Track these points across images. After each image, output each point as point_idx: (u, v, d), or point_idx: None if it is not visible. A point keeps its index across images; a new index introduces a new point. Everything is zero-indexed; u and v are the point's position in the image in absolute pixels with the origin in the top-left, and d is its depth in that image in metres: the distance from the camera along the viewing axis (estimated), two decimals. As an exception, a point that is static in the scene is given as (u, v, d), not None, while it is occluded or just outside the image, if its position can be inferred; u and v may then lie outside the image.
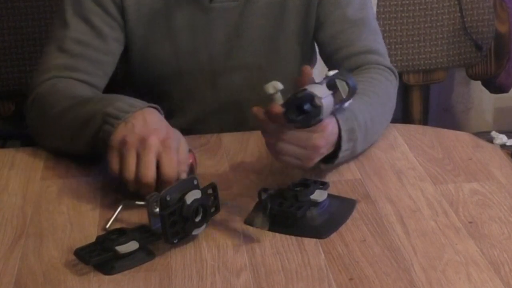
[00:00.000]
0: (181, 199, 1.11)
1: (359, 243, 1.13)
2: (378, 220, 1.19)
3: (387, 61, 1.54)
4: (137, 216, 1.20)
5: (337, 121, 1.25)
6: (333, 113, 1.25)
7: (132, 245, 1.09)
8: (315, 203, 1.18)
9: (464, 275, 1.06)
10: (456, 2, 2.16)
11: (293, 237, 1.15)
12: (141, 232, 1.13)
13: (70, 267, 1.09)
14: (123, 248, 1.08)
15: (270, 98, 1.17)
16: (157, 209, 1.12)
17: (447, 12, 2.17)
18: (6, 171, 1.37)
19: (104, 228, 1.18)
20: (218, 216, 1.19)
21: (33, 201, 1.27)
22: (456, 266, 1.07)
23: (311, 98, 1.15)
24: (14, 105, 2.08)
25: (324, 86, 1.19)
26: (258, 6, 1.53)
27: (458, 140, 1.44)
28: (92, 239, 1.12)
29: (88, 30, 1.50)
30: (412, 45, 2.18)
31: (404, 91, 2.28)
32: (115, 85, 1.60)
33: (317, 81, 1.21)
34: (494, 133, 2.45)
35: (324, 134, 1.21)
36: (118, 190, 1.26)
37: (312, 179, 1.23)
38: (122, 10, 1.51)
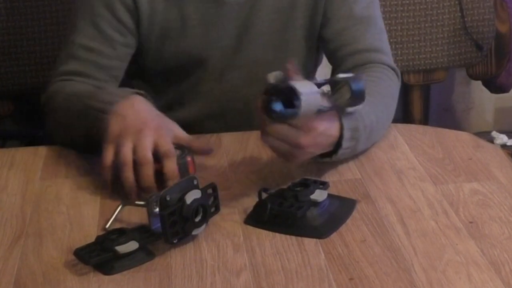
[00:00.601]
0: (181, 199, 1.11)
1: (359, 243, 1.13)
2: (378, 220, 1.19)
3: (390, 60, 1.54)
4: (136, 216, 1.19)
5: (340, 120, 1.25)
6: (339, 114, 1.23)
7: (131, 245, 1.09)
8: (315, 203, 1.18)
9: (464, 275, 1.05)
10: (456, 2, 2.16)
11: (293, 237, 1.15)
12: (141, 232, 1.13)
13: (70, 267, 1.09)
14: (122, 248, 1.08)
15: None
16: (157, 209, 1.12)
17: (448, 12, 2.17)
18: (5, 171, 1.37)
19: (104, 228, 1.18)
20: (218, 216, 1.18)
21: (33, 201, 1.27)
22: (457, 266, 1.07)
23: (290, 91, 1.13)
24: (14, 105, 2.08)
25: (311, 84, 1.17)
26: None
27: (459, 140, 1.44)
28: (92, 239, 1.12)
29: (97, 35, 1.51)
30: (413, 45, 2.18)
31: (405, 91, 2.28)
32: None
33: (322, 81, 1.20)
34: (494, 133, 2.45)
35: (312, 134, 1.19)
36: (116, 187, 1.26)
37: (312, 179, 1.23)
38: (135, 13, 1.51)
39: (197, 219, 1.13)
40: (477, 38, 2.19)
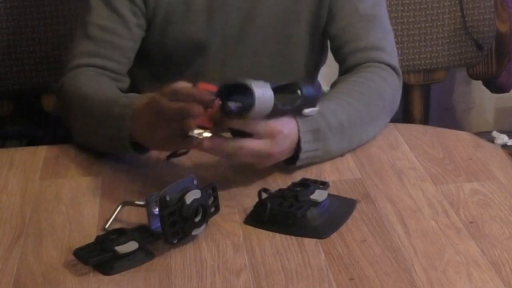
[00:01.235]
0: (181, 199, 1.11)
1: (359, 243, 1.13)
2: (379, 220, 1.19)
3: (393, 60, 1.54)
4: (136, 216, 1.19)
5: (297, 122, 1.26)
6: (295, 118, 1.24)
7: (131, 245, 1.09)
8: (315, 203, 1.18)
9: (465, 275, 1.05)
10: (457, 2, 2.16)
11: (293, 237, 1.14)
12: (141, 232, 1.13)
13: (70, 267, 1.09)
14: (122, 248, 1.08)
15: None
16: (157, 209, 1.11)
17: (448, 12, 2.16)
18: (5, 171, 1.37)
19: (104, 228, 1.17)
20: (218, 216, 1.18)
21: (32, 201, 1.27)
22: (457, 266, 1.07)
23: (241, 86, 1.16)
24: (13, 105, 2.08)
25: (264, 82, 1.18)
26: None
27: (459, 140, 1.44)
28: (92, 239, 1.11)
29: (111, 16, 1.51)
30: (413, 44, 2.18)
31: (405, 91, 2.26)
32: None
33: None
34: (495, 133, 2.45)
35: (277, 139, 1.22)
36: (116, 187, 1.26)
37: (312, 179, 1.23)
38: None
39: (197, 219, 1.13)
40: (477, 38, 2.19)
